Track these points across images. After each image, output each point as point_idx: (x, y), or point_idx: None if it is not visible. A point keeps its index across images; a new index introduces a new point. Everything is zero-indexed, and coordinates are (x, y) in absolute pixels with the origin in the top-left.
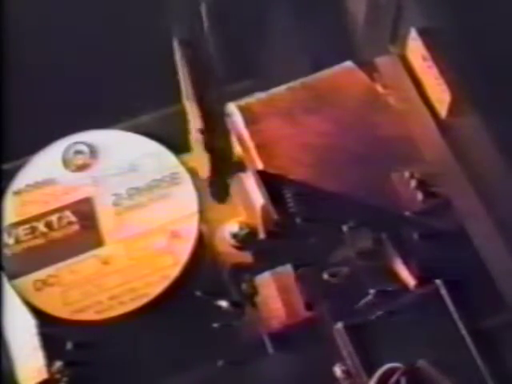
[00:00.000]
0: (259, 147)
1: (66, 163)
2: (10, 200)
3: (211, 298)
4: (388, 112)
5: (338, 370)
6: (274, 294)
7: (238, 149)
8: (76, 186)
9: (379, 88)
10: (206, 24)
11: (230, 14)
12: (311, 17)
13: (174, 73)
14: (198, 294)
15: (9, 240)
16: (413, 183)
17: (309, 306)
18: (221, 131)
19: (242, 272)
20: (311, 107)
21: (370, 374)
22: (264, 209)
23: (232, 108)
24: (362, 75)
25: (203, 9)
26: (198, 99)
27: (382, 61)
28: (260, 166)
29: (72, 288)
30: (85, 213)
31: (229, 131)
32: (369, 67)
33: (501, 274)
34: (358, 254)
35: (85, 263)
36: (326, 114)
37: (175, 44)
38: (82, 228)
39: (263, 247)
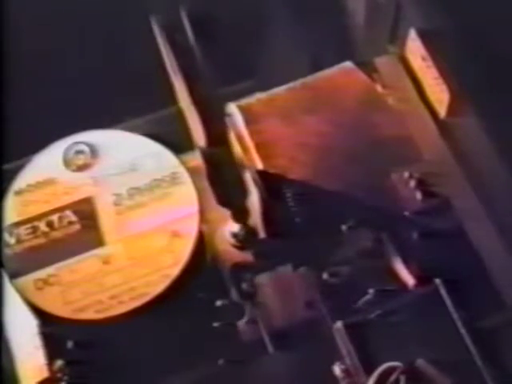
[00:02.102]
0: (259, 147)
1: (66, 163)
2: (11, 200)
3: (211, 298)
4: (387, 112)
5: (337, 369)
6: (274, 294)
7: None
8: (77, 186)
9: (378, 88)
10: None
11: (228, 15)
12: (311, 17)
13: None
14: (199, 294)
15: (10, 239)
16: (412, 183)
17: (308, 306)
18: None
19: (242, 271)
20: (311, 107)
21: (369, 373)
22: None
23: (232, 108)
24: (361, 75)
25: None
26: (181, 66)
27: (381, 61)
28: (260, 165)
29: (72, 287)
30: (85, 212)
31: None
32: (368, 67)
33: (500, 274)
34: (357, 253)
35: (85, 263)
36: (325, 114)
37: (155, 28)
38: (83, 228)
39: (263, 247)
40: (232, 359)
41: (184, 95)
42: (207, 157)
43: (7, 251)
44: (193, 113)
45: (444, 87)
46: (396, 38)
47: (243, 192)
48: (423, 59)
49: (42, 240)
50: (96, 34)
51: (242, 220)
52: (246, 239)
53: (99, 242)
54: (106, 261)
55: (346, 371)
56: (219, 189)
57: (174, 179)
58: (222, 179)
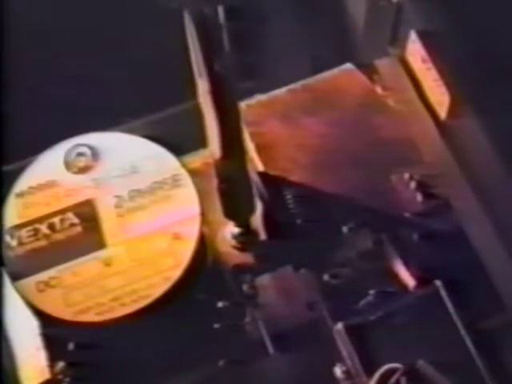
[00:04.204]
0: (259, 149)
1: (68, 165)
2: (12, 202)
3: (213, 299)
4: (388, 114)
5: (338, 371)
6: (275, 295)
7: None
8: (78, 188)
9: (379, 90)
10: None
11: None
12: (311, 19)
13: (175, 74)
14: (200, 295)
15: (12, 242)
16: (412, 184)
17: (309, 307)
18: (230, 97)
19: (243, 273)
20: (311, 109)
21: (369, 375)
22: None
23: None
24: (361, 77)
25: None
26: (208, 67)
27: (381, 63)
28: (260, 167)
29: (74, 290)
30: (87, 215)
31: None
32: (368, 69)
33: (500, 275)
34: (358, 254)
35: (87, 265)
36: (326, 115)
37: (187, 16)
38: (84, 230)
39: (264, 248)
40: (233, 360)
41: (206, 99)
42: (220, 169)
43: (9, 253)
44: (212, 119)
45: (444, 89)
46: (396, 39)
47: (252, 209)
48: (423, 61)
49: (43, 242)
50: (96, 35)
51: (244, 228)
52: (246, 241)
53: (101, 245)
54: (107, 263)
55: (346, 373)
56: (229, 202)
57: (175, 181)
58: (232, 193)
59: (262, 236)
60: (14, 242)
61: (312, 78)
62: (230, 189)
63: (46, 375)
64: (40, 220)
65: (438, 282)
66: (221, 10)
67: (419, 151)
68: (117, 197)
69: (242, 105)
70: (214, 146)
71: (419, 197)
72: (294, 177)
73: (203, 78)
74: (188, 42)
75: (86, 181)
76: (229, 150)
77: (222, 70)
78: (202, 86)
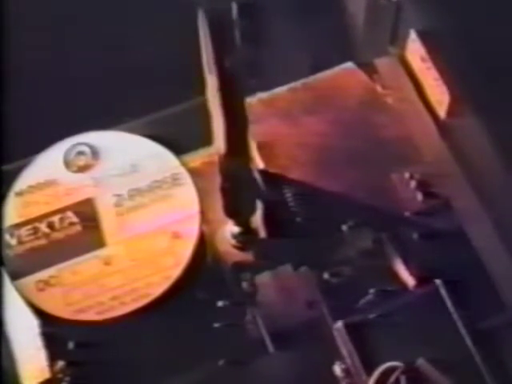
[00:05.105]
0: (260, 147)
1: (67, 164)
2: (12, 201)
3: (212, 298)
4: (388, 113)
5: (337, 369)
6: (275, 294)
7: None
8: (78, 187)
9: (379, 89)
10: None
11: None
12: (312, 18)
13: (175, 74)
14: (200, 294)
15: (11, 241)
16: (412, 184)
17: (309, 305)
18: (239, 94)
19: (242, 272)
20: (312, 107)
21: (369, 373)
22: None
23: None
24: (362, 76)
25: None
26: (218, 64)
27: (381, 62)
28: (261, 165)
29: (74, 288)
30: (86, 213)
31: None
32: (368, 68)
33: (500, 274)
34: (358, 253)
35: (86, 264)
36: (326, 114)
37: (200, 13)
38: (84, 229)
39: (264, 247)
40: (232, 359)
41: (215, 96)
42: (224, 166)
43: (8, 252)
44: (219, 116)
45: (444, 88)
46: (396, 39)
47: (253, 208)
48: (423, 60)
49: (43, 241)
50: (96, 34)
51: (244, 227)
52: (246, 240)
53: (100, 243)
54: (107, 262)
55: (346, 371)
56: (231, 201)
57: (174, 180)
58: (235, 192)
59: (262, 234)
60: (13, 241)
61: (312, 76)
62: (233, 187)
63: (46, 374)
64: (40, 219)
65: (438, 281)
66: (234, 7)
67: (419, 150)
68: (116, 196)
69: None
70: (219, 143)
71: (419, 196)
72: (294, 175)
73: (213, 75)
74: (200, 40)
75: (86, 180)
76: (234, 147)
77: (233, 67)
78: (212, 83)
